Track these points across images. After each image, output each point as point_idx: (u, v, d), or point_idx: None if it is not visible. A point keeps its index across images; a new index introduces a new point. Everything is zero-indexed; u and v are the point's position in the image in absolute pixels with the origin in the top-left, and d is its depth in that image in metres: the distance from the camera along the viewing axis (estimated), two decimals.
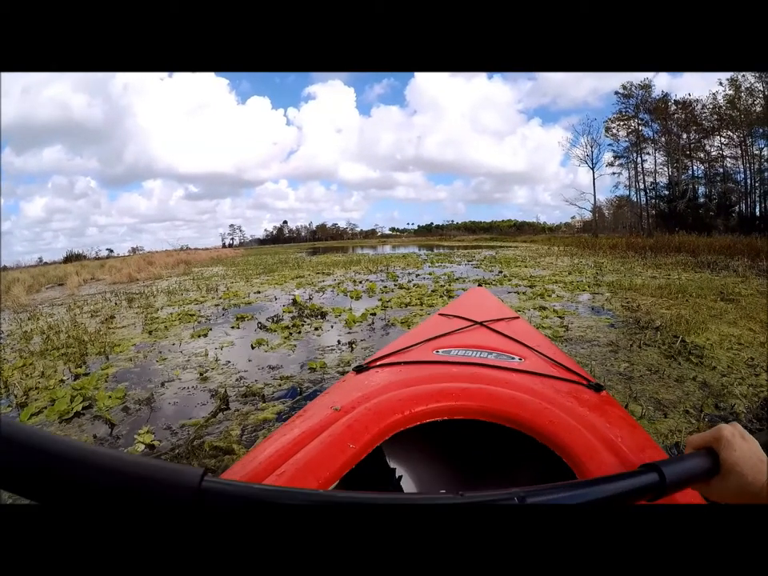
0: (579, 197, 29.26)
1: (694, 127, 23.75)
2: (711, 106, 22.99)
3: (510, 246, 23.49)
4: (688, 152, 24.35)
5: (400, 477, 0.97)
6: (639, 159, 26.24)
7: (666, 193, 25.66)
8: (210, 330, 4.75)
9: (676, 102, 24.52)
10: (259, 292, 7.91)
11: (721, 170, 23.53)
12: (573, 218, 41.21)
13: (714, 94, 22.70)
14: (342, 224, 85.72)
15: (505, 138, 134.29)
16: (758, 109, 20.65)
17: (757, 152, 21.72)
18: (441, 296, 6.07)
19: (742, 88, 21.18)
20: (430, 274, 9.57)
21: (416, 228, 79.97)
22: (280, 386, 2.91)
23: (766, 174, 21.71)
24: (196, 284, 10.07)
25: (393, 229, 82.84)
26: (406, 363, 0.96)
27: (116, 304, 7.52)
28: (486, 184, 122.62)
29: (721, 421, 2.06)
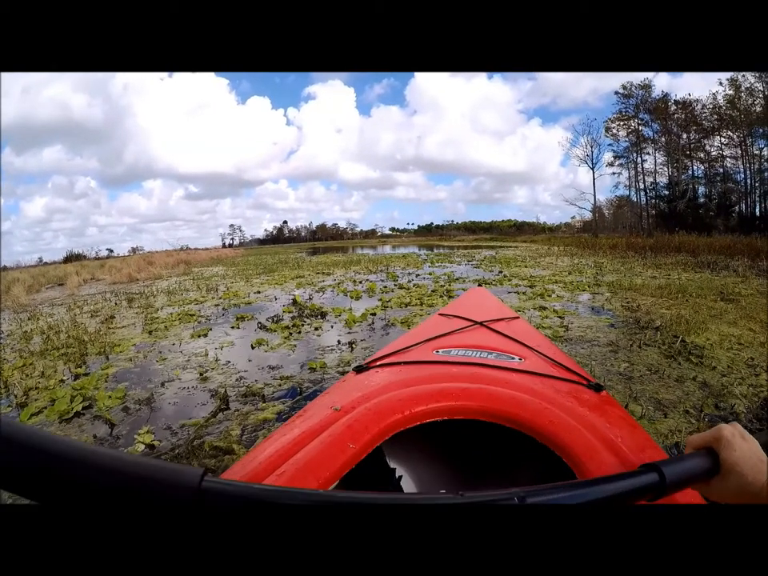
0: (579, 197, 29.31)
1: (694, 127, 23.75)
2: (711, 106, 23.02)
3: (510, 246, 23.49)
4: (688, 152, 24.35)
5: (400, 477, 0.97)
6: (639, 159, 26.28)
7: (666, 193, 25.67)
8: (210, 330, 4.75)
9: (676, 102, 24.55)
10: (259, 292, 7.91)
11: (721, 169, 23.54)
12: (573, 218, 41.28)
13: (714, 94, 22.74)
14: (342, 224, 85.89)
15: (505, 138, 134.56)
16: (758, 109, 20.65)
17: (757, 152, 21.74)
18: (441, 296, 6.07)
19: (742, 88, 21.19)
20: (429, 274, 9.57)
21: (416, 228, 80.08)
22: (280, 386, 2.91)
23: (766, 173, 21.71)
24: (196, 284, 10.07)
25: (393, 229, 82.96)
26: (406, 363, 0.96)
27: (116, 304, 7.52)
28: (485, 184, 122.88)
29: (721, 421, 2.06)
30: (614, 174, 27.94)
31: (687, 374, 2.76)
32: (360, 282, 8.44)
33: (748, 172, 22.37)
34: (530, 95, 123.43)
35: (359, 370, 0.99)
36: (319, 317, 5.03)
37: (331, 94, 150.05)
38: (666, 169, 25.54)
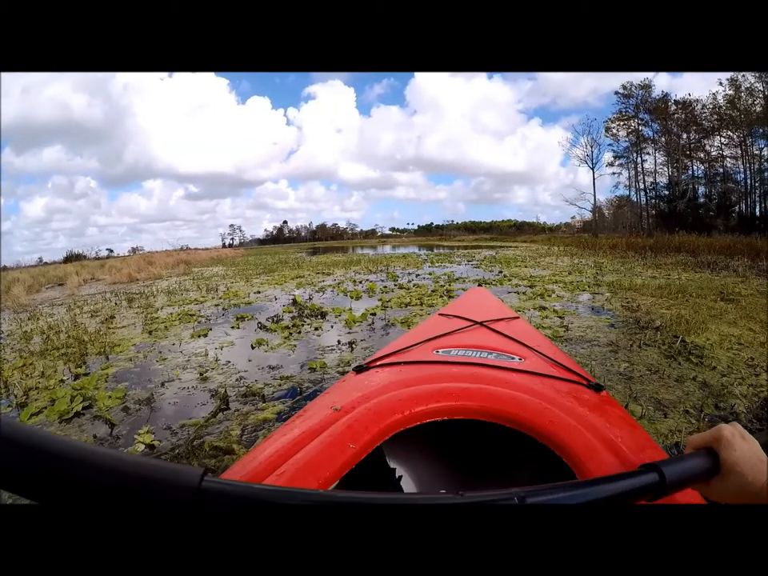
0: (579, 197, 29.31)
1: (694, 127, 23.75)
2: (711, 106, 23.02)
3: (510, 246, 23.49)
4: (688, 152, 24.35)
5: (400, 477, 0.97)
6: (639, 159, 26.28)
7: (666, 193, 25.67)
8: (210, 330, 4.75)
9: (676, 102, 24.55)
10: (259, 292, 7.91)
11: (721, 169, 23.55)
12: (573, 218, 41.29)
13: (714, 94, 22.74)
14: (342, 224, 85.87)
15: (505, 138, 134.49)
16: (758, 109, 20.65)
17: (757, 152, 21.74)
18: (441, 296, 6.07)
19: (742, 88, 21.19)
20: (429, 274, 9.57)
21: (416, 228, 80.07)
22: (280, 386, 2.91)
23: (766, 173, 21.71)
24: (196, 284, 10.07)
25: (393, 229, 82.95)
26: (406, 363, 0.96)
27: (116, 304, 7.52)
28: (485, 184, 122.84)
29: (721, 421, 2.06)
30: (613, 174, 28.00)
31: (687, 374, 2.76)
32: (360, 282, 8.44)
33: (748, 172, 22.40)
34: (530, 95, 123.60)
35: (359, 370, 0.99)
36: (319, 317, 5.03)
37: (331, 94, 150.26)
38: (666, 169, 25.57)
